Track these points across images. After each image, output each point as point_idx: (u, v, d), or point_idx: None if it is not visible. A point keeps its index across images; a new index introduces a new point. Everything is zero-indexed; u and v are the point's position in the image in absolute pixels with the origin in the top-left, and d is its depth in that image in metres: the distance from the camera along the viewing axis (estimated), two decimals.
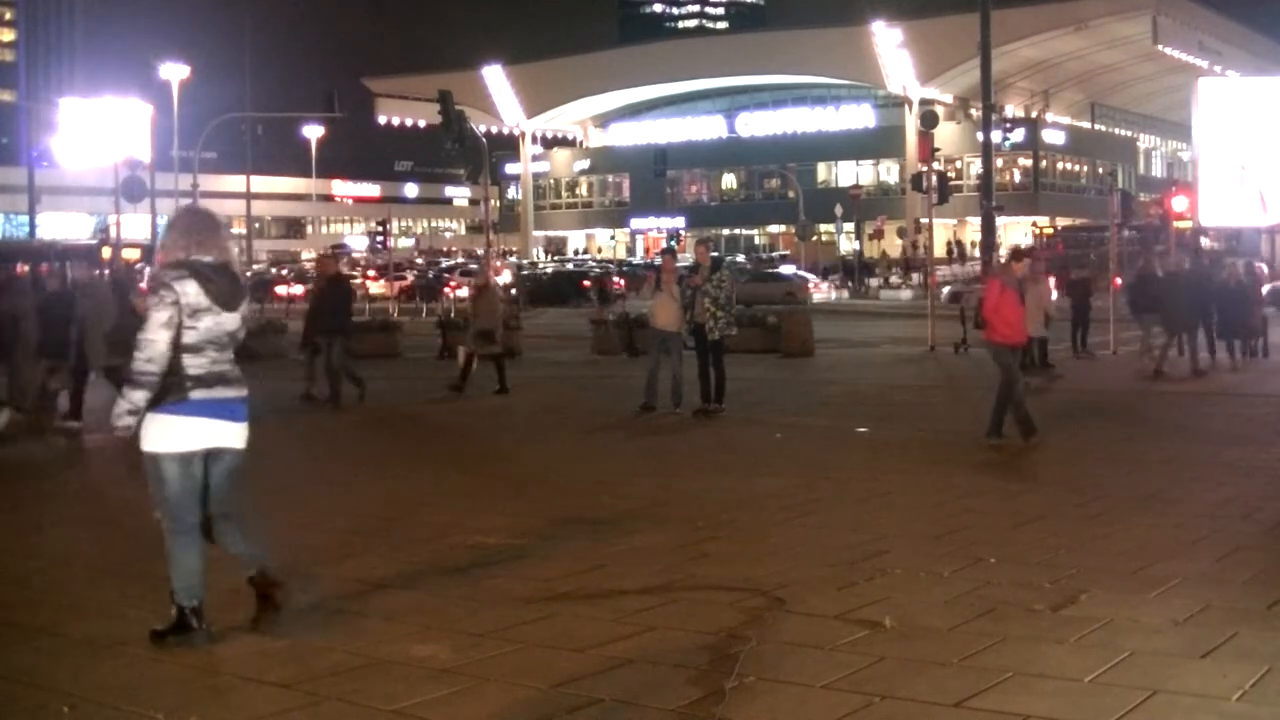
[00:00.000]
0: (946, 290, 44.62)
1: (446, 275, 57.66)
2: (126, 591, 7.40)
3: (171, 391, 5.98)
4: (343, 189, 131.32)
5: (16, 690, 5.63)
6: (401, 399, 18.78)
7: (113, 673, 5.84)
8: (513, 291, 43.17)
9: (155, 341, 5.92)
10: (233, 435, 6.18)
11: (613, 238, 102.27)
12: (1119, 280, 27.20)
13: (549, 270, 65.69)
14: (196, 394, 6.01)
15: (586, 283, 50.54)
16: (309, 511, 9.85)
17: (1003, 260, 16.29)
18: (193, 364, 6.01)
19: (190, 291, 5.99)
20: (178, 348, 5.98)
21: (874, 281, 59.35)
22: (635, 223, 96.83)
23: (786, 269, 56.69)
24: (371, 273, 62.10)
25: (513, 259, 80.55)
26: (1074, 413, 15.84)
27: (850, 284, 57.89)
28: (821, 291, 52.03)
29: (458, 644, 6.14)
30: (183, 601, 6.15)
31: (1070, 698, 5.26)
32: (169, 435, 6.01)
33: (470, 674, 5.71)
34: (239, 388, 6.19)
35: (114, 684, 5.66)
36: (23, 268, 44.84)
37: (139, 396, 5.94)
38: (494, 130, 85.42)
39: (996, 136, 53.33)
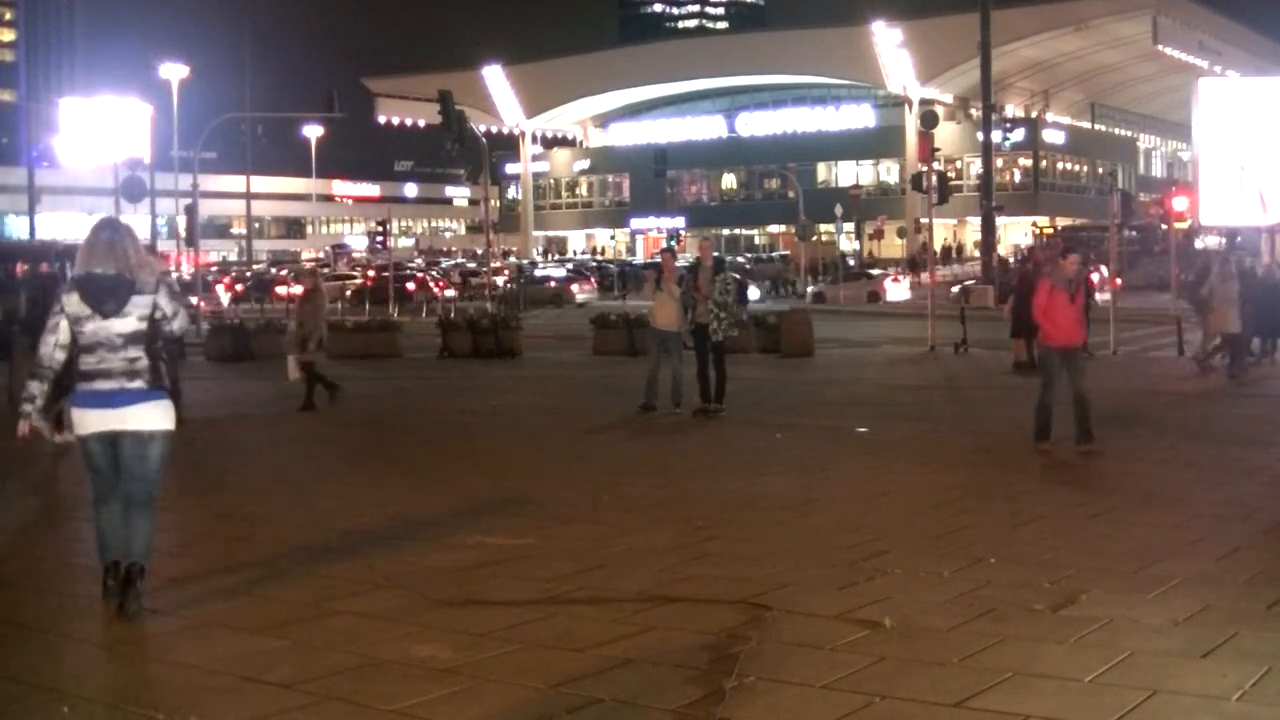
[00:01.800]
0: (957, 288, 44.64)
1: (276, 275, 57.45)
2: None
3: (72, 385, 6.85)
4: (343, 189, 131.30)
5: (16, 690, 5.63)
6: (389, 400, 18.77)
7: (113, 673, 5.84)
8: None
9: (43, 343, 6.83)
10: (121, 420, 6.77)
11: (613, 238, 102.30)
12: (1119, 280, 27.20)
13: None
14: (82, 386, 6.79)
15: (411, 286, 51.53)
16: (309, 511, 9.85)
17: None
18: (84, 362, 6.76)
19: (74, 302, 6.75)
20: (75, 349, 6.77)
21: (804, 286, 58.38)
22: (635, 223, 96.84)
23: (556, 271, 58.14)
24: (371, 273, 62.20)
25: (512, 259, 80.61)
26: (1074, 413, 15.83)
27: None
28: (586, 293, 52.39)
29: (458, 644, 6.14)
30: (102, 560, 7.02)
31: (1070, 698, 5.26)
32: (75, 422, 6.90)
33: (470, 674, 5.71)
34: (125, 380, 6.75)
35: (114, 684, 5.66)
36: (22, 267, 44.91)
37: (34, 387, 6.85)
38: (494, 130, 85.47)
39: (996, 136, 53.57)
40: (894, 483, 10.69)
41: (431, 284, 52.23)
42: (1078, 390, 12.06)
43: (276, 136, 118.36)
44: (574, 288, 52.92)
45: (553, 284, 54.12)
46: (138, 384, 6.75)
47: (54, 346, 6.77)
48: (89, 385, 6.74)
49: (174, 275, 10.60)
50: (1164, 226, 44.56)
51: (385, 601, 6.98)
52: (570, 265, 68.73)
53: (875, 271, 59.83)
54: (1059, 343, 12.14)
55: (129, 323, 6.71)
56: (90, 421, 6.79)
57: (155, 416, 6.83)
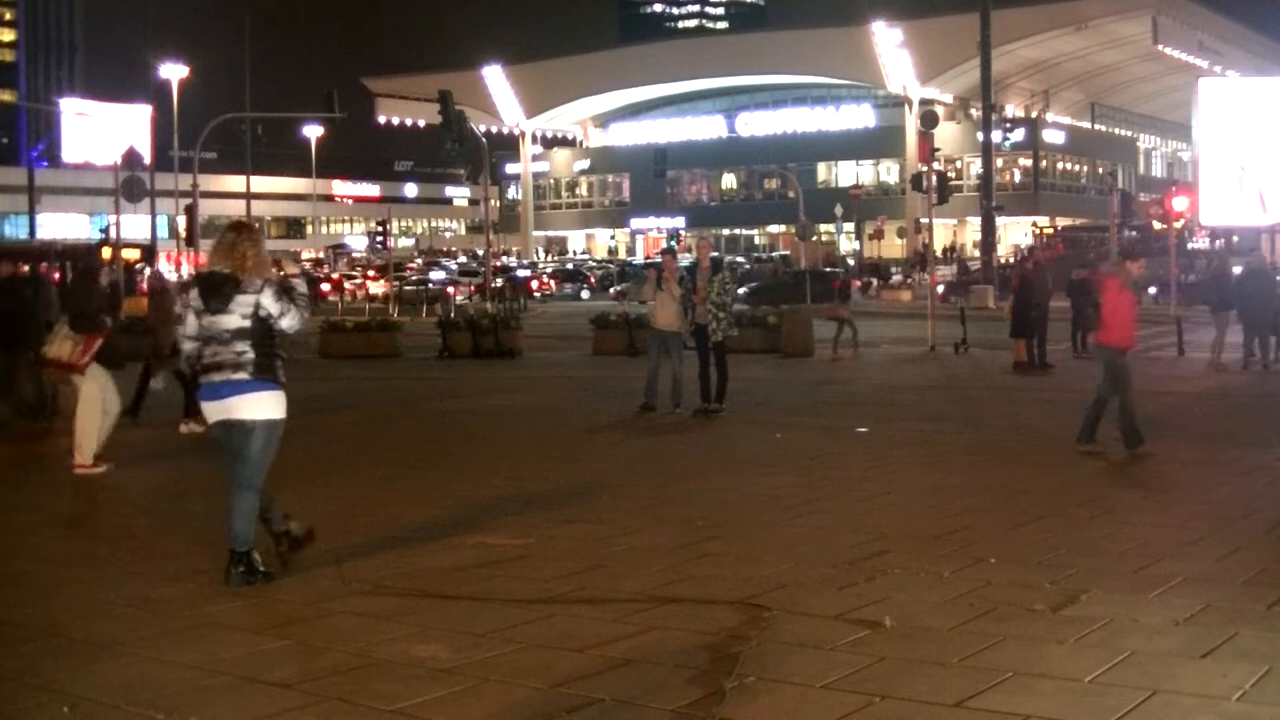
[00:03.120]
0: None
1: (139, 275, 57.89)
2: (127, 591, 7.40)
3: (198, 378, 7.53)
4: (343, 189, 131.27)
5: (16, 690, 5.63)
6: (388, 400, 18.78)
7: (113, 673, 5.84)
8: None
9: (179, 335, 7.58)
10: (228, 410, 7.32)
11: (613, 238, 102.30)
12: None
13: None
14: (202, 378, 7.41)
15: (325, 288, 54.00)
16: (309, 511, 9.84)
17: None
18: (204, 354, 7.35)
19: (194, 297, 7.39)
20: (199, 340, 7.36)
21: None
22: (635, 223, 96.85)
23: (436, 274, 60.57)
24: (372, 273, 62.32)
25: (512, 259, 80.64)
26: (1075, 413, 15.82)
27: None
28: (462, 295, 53.48)
29: (458, 644, 6.14)
30: (235, 545, 7.36)
31: (1070, 698, 5.26)
32: (204, 411, 7.56)
33: (470, 674, 5.71)
34: (231, 372, 7.27)
35: (114, 684, 5.66)
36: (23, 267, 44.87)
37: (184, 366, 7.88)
38: (494, 130, 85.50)
39: (996, 136, 53.53)
40: (894, 483, 10.69)
41: (347, 285, 55.62)
42: (1102, 393, 12.03)
43: (276, 136, 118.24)
44: (450, 290, 54.67)
45: (432, 286, 56.79)
46: (241, 375, 7.25)
47: (183, 339, 7.47)
48: (206, 377, 7.35)
49: (296, 277, 10.39)
50: (1158, 226, 44.62)
51: (385, 601, 6.98)
52: (453, 267, 71.30)
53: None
54: (1124, 343, 12.09)
55: (234, 319, 7.24)
56: (210, 411, 7.43)
57: (258, 407, 7.32)
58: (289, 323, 7.35)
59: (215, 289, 7.30)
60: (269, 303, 7.26)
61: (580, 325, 31.49)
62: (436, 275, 63.16)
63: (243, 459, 7.35)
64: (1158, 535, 8.39)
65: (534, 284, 56.37)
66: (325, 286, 54.90)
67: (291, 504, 10.11)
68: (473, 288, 55.14)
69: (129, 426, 13.77)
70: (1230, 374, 19.81)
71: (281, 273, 7.79)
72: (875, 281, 58.77)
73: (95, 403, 11.24)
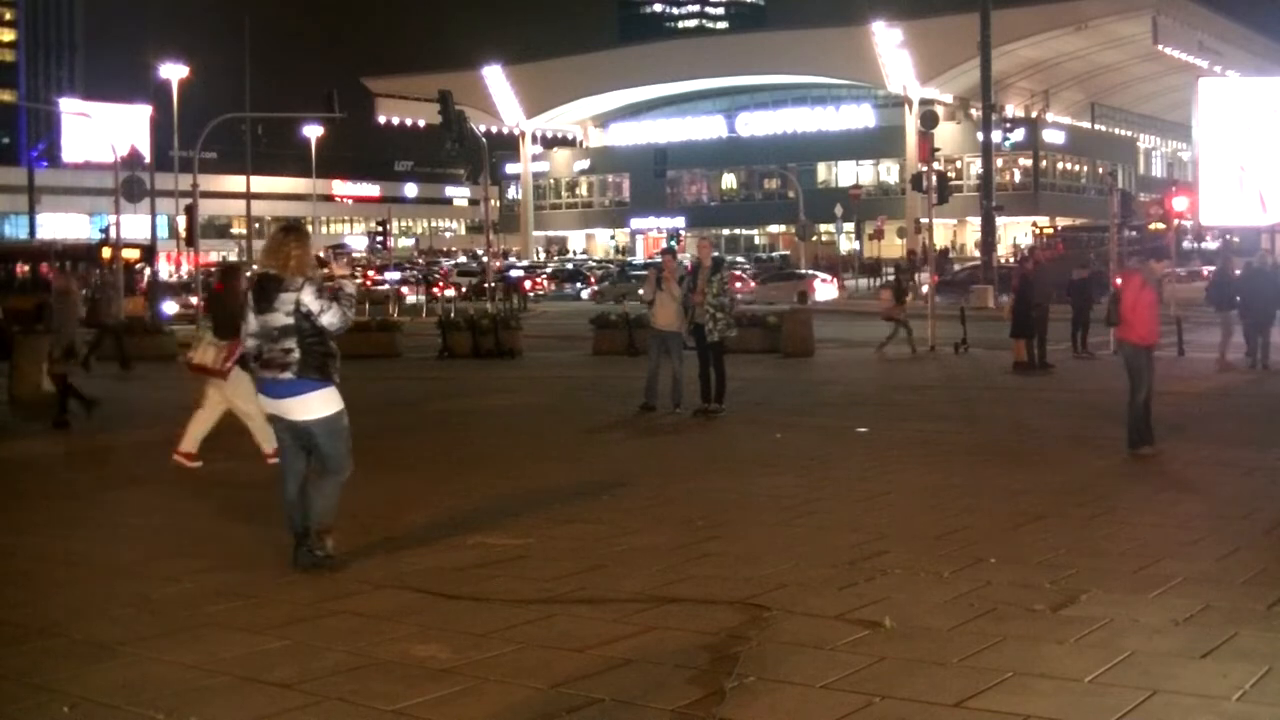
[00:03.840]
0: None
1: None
2: (126, 591, 7.40)
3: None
4: (343, 189, 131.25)
5: (16, 690, 5.63)
6: (387, 400, 18.77)
7: (113, 673, 5.84)
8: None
9: (243, 332, 7.81)
10: (280, 409, 7.67)
11: (613, 238, 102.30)
12: (1119, 280, 27.18)
13: None
14: (258, 373, 7.73)
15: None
16: None
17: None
18: (261, 351, 7.63)
19: (251, 297, 7.70)
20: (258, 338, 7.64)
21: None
22: (635, 223, 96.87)
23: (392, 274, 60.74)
24: (371, 273, 62.47)
25: (512, 259, 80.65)
26: (1074, 413, 15.85)
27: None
28: (414, 296, 53.94)
29: (458, 644, 6.14)
30: (310, 523, 7.69)
31: (1070, 698, 5.26)
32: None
33: (470, 674, 5.71)
34: (279, 370, 7.54)
35: (114, 684, 5.66)
36: (23, 267, 44.91)
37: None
38: (494, 130, 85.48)
39: (996, 136, 53.51)
40: (894, 483, 10.69)
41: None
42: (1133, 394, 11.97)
43: (276, 136, 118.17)
44: (404, 290, 55.60)
45: (386, 286, 56.94)
46: (288, 375, 7.53)
47: (245, 335, 7.76)
48: (260, 373, 7.68)
49: (339, 277, 10.37)
50: (1154, 226, 44.59)
51: (385, 601, 6.99)
52: (407, 269, 72.22)
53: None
54: (1145, 340, 12.05)
55: (280, 317, 7.51)
56: (266, 405, 7.85)
57: (306, 407, 7.59)
58: (330, 320, 7.54)
59: (264, 289, 7.60)
60: (309, 300, 7.48)
61: (580, 325, 31.48)
62: (391, 275, 63.19)
63: (317, 455, 7.73)
64: (1158, 535, 8.39)
65: (527, 284, 56.41)
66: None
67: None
68: (425, 288, 55.46)
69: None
70: (1237, 373, 19.81)
71: (327, 271, 8.10)
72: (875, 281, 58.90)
73: (220, 406, 11.79)
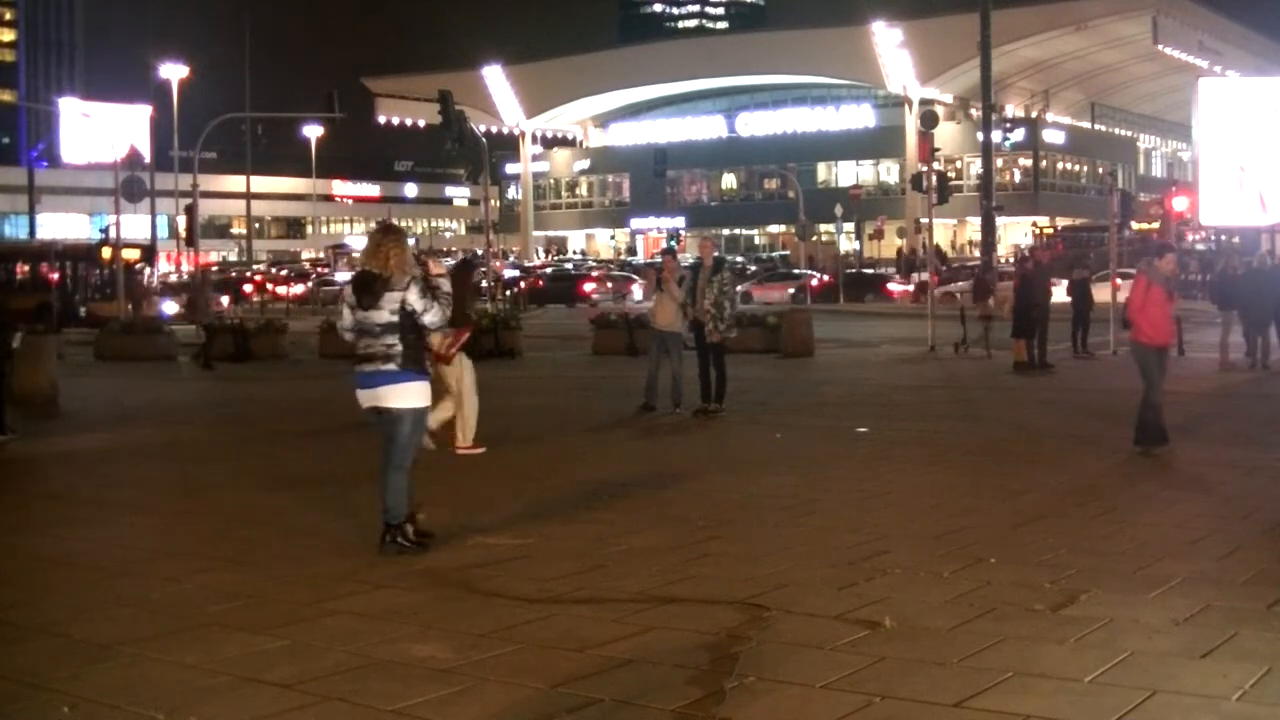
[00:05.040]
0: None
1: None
2: (126, 591, 7.40)
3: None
4: (343, 189, 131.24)
5: (16, 690, 5.63)
6: None
7: (113, 673, 5.84)
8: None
9: (339, 327, 8.34)
10: (376, 398, 8.03)
11: (613, 238, 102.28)
12: (1119, 280, 27.23)
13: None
14: (356, 367, 8.11)
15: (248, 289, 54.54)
16: (309, 511, 9.85)
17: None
18: (359, 345, 8.06)
19: (349, 293, 8.13)
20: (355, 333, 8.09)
21: None
22: (635, 223, 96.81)
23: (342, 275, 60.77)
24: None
25: (512, 259, 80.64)
26: (1075, 413, 15.85)
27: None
28: None
29: (458, 644, 6.14)
30: (389, 518, 8.06)
31: (1070, 698, 5.26)
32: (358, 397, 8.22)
33: (470, 674, 5.71)
34: (380, 364, 7.94)
35: (114, 684, 5.66)
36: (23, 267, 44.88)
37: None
38: (494, 130, 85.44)
39: (996, 136, 53.36)
40: (894, 483, 10.69)
41: (270, 285, 56.37)
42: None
43: (276, 136, 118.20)
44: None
45: (337, 286, 56.99)
46: (390, 367, 7.93)
47: (342, 330, 8.23)
48: (359, 366, 8.06)
49: (433, 277, 10.54)
50: (1142, 227, 44.57)
51: (385, 601, 6.99)
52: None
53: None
54: (1154, 341, 11.92)
55: (383, 314, 7.91)
56: (362, 398, 8.14)
57: (404, 396, 8.00)
58: (431, 318, 7.99)
59: (366, 287, 7.97)
60: (414, 299, 7.89)
61: (580, 325, 31.49)
62: (340, 276, 63.38)
63: (392, 442, 8.04)
64: (1158, 535, 8.39)
65: (521, 284, 55.32)
66: (247, 288, 55.51)
67: (293, 505, 10.14)
68: None
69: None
70: (1238, 373, 19.81)
71: (424, 271, 8.46)
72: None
73: (473, 390, 12.61)
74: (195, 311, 26.65)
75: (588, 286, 54.73)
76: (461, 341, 11.51)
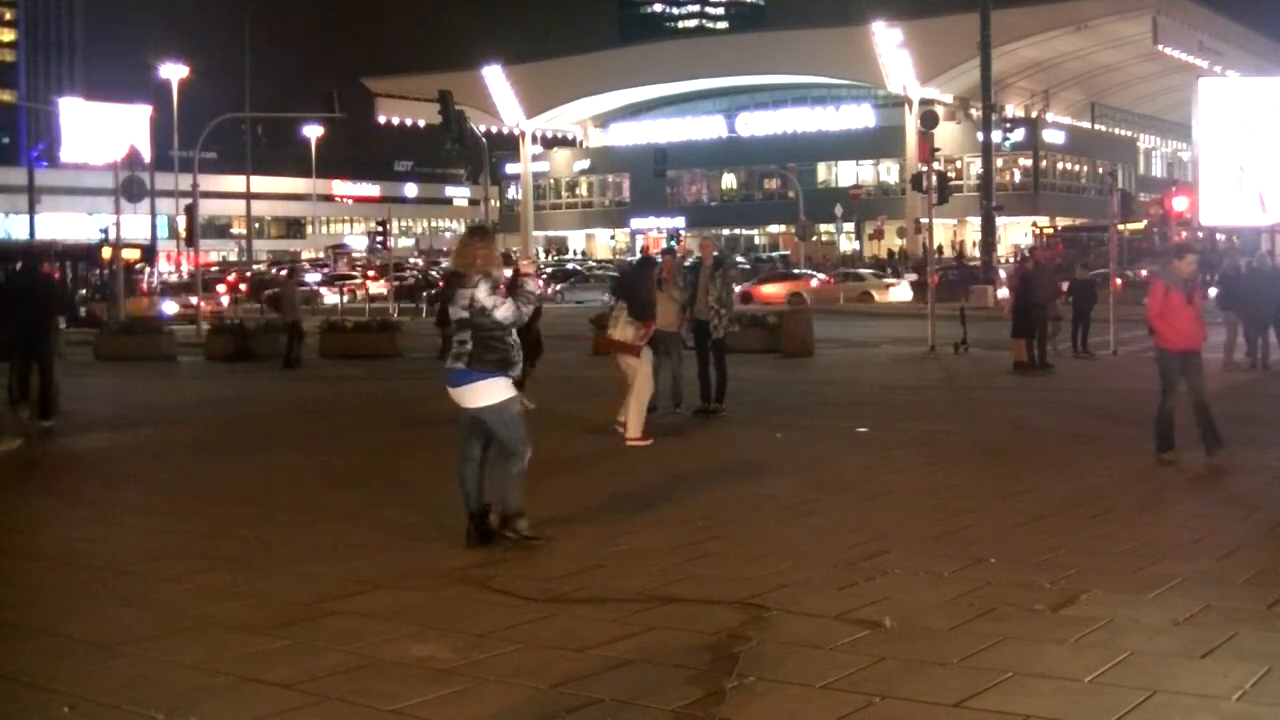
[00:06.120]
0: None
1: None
2: (126, 591, 7.40)
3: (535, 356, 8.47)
4: (343, 189, 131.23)
5: (16, 690, 5.63)
6: (387, 400, 18.78)
7: (113, 673, 5.84)
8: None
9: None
10: (455, 396, 8.22)
11: (613, 238, 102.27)
12: (1118, 281, 27.25)
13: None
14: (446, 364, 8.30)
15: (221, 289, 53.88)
16: (309, 511, 9.85)
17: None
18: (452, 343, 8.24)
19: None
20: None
21: None
22: (635, 223, 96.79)
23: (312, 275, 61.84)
24: (371, 273, 62.50)
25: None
26: (1075, 413, 15.85)
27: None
28: (334, 296, 54.36)
29: (458, 644, 6.14)
30: (469, 509, 8.28)
31: (1070, 698, 5.26)
32: None
33: (470, 674, 5.71)
34: (455, 360, 8.13)
35: (114, 684, 5.66)
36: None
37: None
38: (494, 130, 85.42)
39: (996, 136, 53.50)
40: (894, 483, 10.69)
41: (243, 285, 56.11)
42: (1199, 397, 11.45)
43: (276, 136, 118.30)
44: (324, 290, 56.39)
45: (307, 287, 57.51)
46: (459, 365, 8.11)
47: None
48: (446, 363, 8.27)
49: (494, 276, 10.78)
50: (1131, 227, 44.52)
51: (385, 601, 6.99)
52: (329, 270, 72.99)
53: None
54: (1177, 346, 11.41)
55: (457, 311, 8.12)
56: (450, 392, 8.28)
57: (475, 395, 8.13)
58: (503, 314, 8.00)
59: (450, 287, 8.29)
60: (482, 296, 7.98)
61: (580, 325, 31.47)
62: (311, 277, 63.43)
63: (496, 440, 8.23)
64: (1158, 535, 8.39)
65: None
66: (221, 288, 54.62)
67: (294, 505, 10.13)
68: (348, 288, 55.51)
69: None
70: (1239, 373, 19.81)
71: (514, 269, 8.63)
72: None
73: (649, 381, 13.10)
74: (282, 310, 26.75)
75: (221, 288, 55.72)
76: (649, 335, 12.70)
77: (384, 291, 52.21)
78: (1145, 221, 59.64)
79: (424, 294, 45.60)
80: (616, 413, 13.29)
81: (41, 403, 15.12)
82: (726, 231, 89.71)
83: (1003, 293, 40.02)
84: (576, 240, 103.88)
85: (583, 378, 21.85)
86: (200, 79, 64.28)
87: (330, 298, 53.53)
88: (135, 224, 57.02)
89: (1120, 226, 36.86)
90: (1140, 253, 54.00)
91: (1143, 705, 5.15)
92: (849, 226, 72.39)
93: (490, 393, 8.12)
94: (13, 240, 74.25)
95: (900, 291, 50.61)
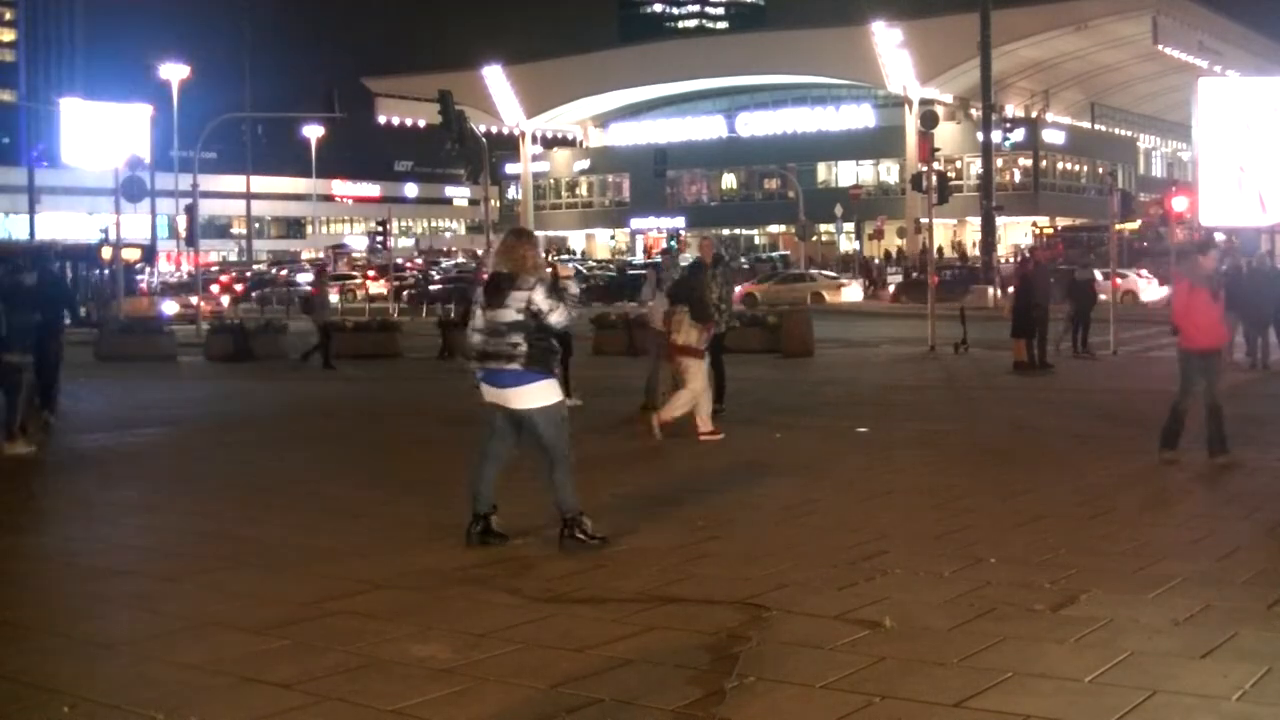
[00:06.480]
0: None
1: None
2: (126, 591, 7.40)
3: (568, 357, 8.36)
4: (343, 189, 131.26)
5: (16, 690, 5.63)
6: (387, 400, 18.77)
7: (113, 673, 5.84)
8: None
9: (469, 328, 8.35)
10: (502, 398, 8.14)
11: (613, 238, 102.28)
12: (1118, 280, 27.25)
13: None
14: (481, 364, 8.18)
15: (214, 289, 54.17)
16: (308, 511, 9.85)
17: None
18: (485, 343, 8.13)
19: (479, 293, 8.34)
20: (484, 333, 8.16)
21: None
22: (635, 223, 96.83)
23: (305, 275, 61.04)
24: (371, 273, 62.53)
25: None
26: (1075, 413, 15.85)
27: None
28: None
29: (458, 644, 6.14)
30: (563, 513, 8.21)
31: (1070, 698, 5.26)
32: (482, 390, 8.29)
33: (470, 674, 5.71)
34: (505, 362, 8.02)
35: (114, 684, 5.66)
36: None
37: (470, 365, 8.35)
38: (494, 130, 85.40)
39: (996, 136, 53.54)
40: (894, 483, 10.69)
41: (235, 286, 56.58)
42: (1212, 399, 11.30)
43: (276, 136, 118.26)
44: (314, 291, 55.48)
45: (297, 287, 57.29)
46: (514, 366, 8.03)
47: (470, 330, 8.29)
48: (483, 364, 8.16)
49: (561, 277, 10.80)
50: (1123, 227, 44.51)
51: (385, 601, 6.99)
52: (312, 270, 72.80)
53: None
54: (1200, 345, 11.21)
55: (509, 314, 8.01)
56: (486, 394, 8.24)
57: (528, 397, 8.10)
58: (557, 319, 8.07)
59: (496, 287, 8.14)
60: (539, 299, 7.98)
61: (580, 325, 31.47)
62: (303, 277, 63.32)
63: (541, 446, 8.22)
64: (1158, 535, 8.39)
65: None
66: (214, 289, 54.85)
67: (295, 505, 10.13)
68: (338, 288, 55.46)
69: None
70: (1239, 373, 19.80)
71: (554, 273, 8.58)
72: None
73: (707, 380, 13.50)
74: (315, 311, 26.73)
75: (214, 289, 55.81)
76: (709, 337, 13.34)
77: (384, 291, 52.19)
78: (1140, 222, 59.64)
79: (426, 302, 45.59)
80: (661, 410, 13.56)
81: (44, 395, 15.21)
82: (726, 231, 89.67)
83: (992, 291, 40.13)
84: (576, 240, 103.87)
85: (582, 377, 21.85)
86: (200, 79, 64.23)
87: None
88: (135, 224, 57.09)
89: (1117, 227, 36.89)
90: (1138, 253, 53.99)
91: (1143, 705, 5.15)
92: (849, 226, 72.31)
93: (544, 395, 8.14)
94: (14, 240, 74.27)
95: (851, 292, 51.47)
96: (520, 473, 9.12)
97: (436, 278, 59.16)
